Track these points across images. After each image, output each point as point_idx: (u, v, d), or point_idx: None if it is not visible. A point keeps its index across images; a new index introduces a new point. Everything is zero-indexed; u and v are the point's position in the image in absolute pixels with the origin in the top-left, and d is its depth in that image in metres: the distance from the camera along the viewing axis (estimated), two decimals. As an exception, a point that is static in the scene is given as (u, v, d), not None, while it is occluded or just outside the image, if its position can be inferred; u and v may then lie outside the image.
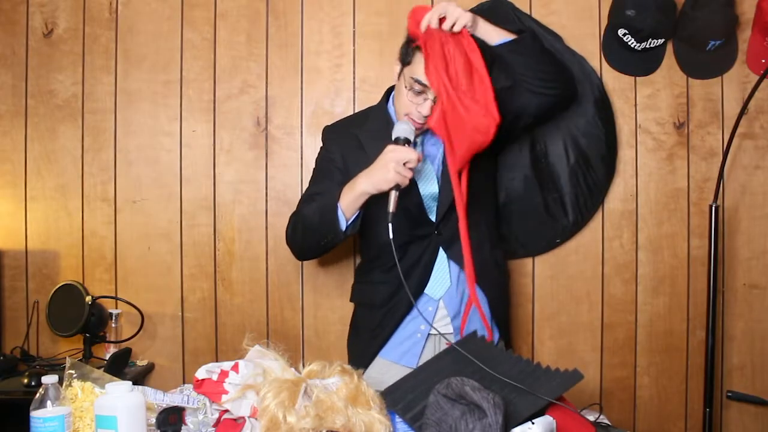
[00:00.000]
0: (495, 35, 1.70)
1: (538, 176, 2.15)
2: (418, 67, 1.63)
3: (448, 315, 1.76)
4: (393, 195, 1.55)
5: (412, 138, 1.59)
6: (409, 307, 1.74)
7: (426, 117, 1.64)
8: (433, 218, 1.75)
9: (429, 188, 1.75)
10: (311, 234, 1.72)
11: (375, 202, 1.62)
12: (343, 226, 1.64)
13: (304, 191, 1.86)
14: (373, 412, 1.18)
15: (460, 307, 1.76)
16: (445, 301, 1.76)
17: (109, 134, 2.27)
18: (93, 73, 2.27)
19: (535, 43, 1.73)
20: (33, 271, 2.27)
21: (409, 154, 1.54)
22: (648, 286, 2.22)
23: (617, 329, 2.23)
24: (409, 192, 1.65)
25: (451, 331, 1.76)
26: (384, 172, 1.54)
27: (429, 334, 1.76)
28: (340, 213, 1.62)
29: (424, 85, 1.61)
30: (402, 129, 1.59)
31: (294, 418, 1.13)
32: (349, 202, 1.61)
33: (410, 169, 1.55)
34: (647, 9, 2.04)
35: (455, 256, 1.74)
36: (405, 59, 1.67)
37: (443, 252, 1.76)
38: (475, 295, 1.70)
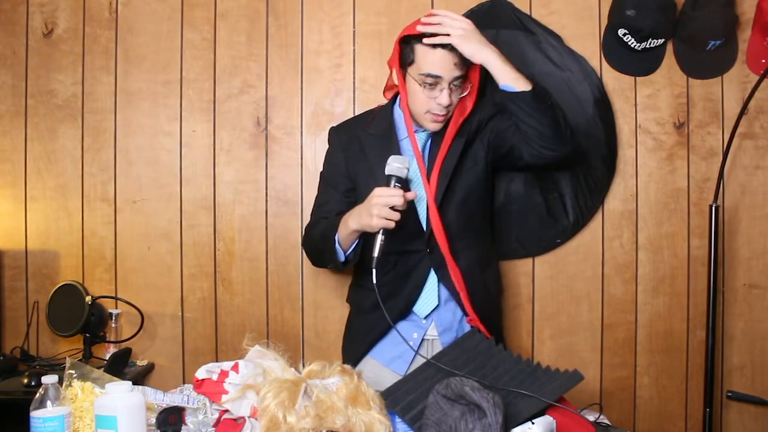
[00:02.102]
0: (502, 75, 1.62)
1: (538, 176, 2.15)
2: (423, 61, 1.61)
3: (436, 330, 1.76)
4: (378, 239, 1.52)
5: (404, 175, 1.54)
6: (399, 316, 1.74)
7: (448, 106, 1.64)
8: (424, 226, 1.73)
9: (425, 201, 1.72)
10: (319, 257, 1.80)
11: None
12: (342, 257, 1.67)
13: (315, 197, 1.88)
14: (373, 412, 1.18)
15: (452, 323, 1.76)
16: (434, 319, 1.76)
17: (109, 134, 2.27)
18: (93, 73, 2.27)
19: (538, 102, 1.61)
20: (33, 271, 2.27)
21: (395, 198, 1.50)
22: (648, 286, 2.22)
23: (617, 329, 2.23)
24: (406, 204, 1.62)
25: (440, 347, 1.75)
26: (368, 218, 1.52)
27: (422, 340, 1.76)
28: (337, 246, 1.65)
29: (437, 76, 1.60)
30: (394, 167, 1.53)
31: (294, 418, 1.13)
32: (345, 236, 1.63)
33: (399, 211, 1.51)
34: (647, 9, 2.04)
35: (445, 280, 1.72)
36: (406, 61, 1.65)
37: (434, 273, 1.74)
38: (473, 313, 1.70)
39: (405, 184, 1.56)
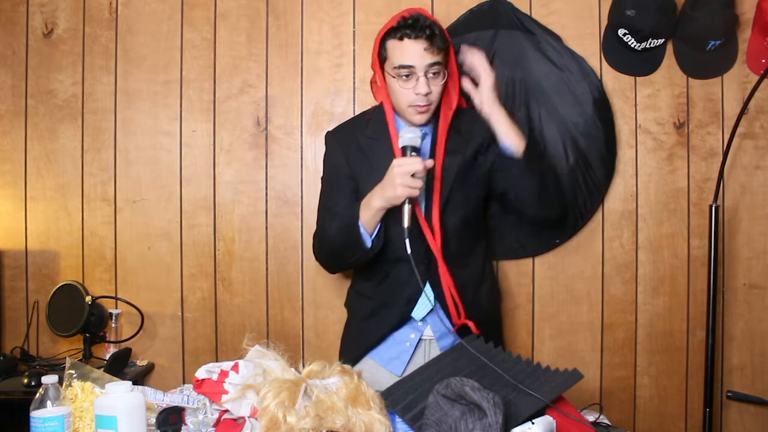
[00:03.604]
0: (505, 135, 1.71)
1: (538, 176, 2.15)
2: (394, 55, 1.64)
3: (433, 333, 1.76)
4: (406, 209, 1.55)
5: (419, 144, 1.58)
6: (393, 326, 1.75)
7: (427, 95, 1.64)
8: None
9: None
10: (339, 254, 1.73)
11: None
12: (368, 243, 1.65)
13: (318, 205, 1.85)
14: (373, 412, 1.18)
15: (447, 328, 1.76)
16: (429, 323, 1.75)
17: (109, 134, 2.27)
18: (93, 73, 2.27)
19: (528, 170, 1.70)
20: (33, 271, 2.28)
21: (415, 165, 1.53)
22: (648, 286, 2.22)
23: (617, 329, 2.23)
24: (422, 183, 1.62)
25: (437, 348, 1.75)
26: (392, 189, 1.54)
27: (419, 340, 1.76)
28: (362, 230, 1.63)
29: (409, 66, 1.62)
30: (407, 138, 1.57)
31: (294, 418, 1.13)
32: (368, 219, 1.62)
33: (420, 178, 1.54)
34: (647, 9, 2.04)
35: (438, 295, 1.72)
36: (382, 58, 1.68)
37: (429, 285, 1.73)
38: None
39: (420, 154, 1.59)
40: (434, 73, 1.65)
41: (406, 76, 1.64)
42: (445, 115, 1.73)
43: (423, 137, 1.70)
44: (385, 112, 1.73)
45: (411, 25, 1.61)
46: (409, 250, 1.53)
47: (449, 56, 1.72)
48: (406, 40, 1.62)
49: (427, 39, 1.61)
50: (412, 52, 1.62)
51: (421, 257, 1.70)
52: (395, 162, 1.55)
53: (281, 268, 2.25)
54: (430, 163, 1.58)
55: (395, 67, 1.64)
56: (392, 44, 1.64)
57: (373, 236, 1.65)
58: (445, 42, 1.66)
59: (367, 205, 1.61)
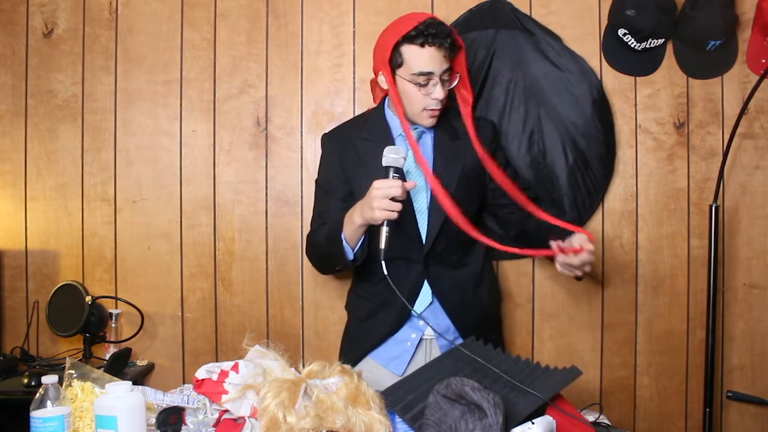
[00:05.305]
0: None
1: (536, 177, 2.15)
2: (414, 61, 1.63)
3: (433, 335, 1.75)
4: (383, 231, 1.52)
5: (401, 165, 1.54)
6: (393, 326, 1.75)
7: (442, 100, 1.66)
8: (423, 238, 1.72)
9: (418, 202, 1.73)
10: (325, 262, 1.77)
11: None
12: (350, 255, 1.66)
13: (313, 207, 1.86)
14: (373, 412, 1.18)
15: (448, 327, 1.75)
16: (429, 321, 1.75)
17: (109, 134, 2.27)
18: (93, 73, 2.27)
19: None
20: (33, 271, 2.27)
21: (394, 189, 1.50)
22: (648, 286, 2.22)
23: (617, 329, 2.23)
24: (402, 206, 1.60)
25: (437, 347, 1.76)
26: (370, 211, 1.52)
27: (420, 340, 1.76)
28: (345, 244, 1.64)
29: (429, 73, 1.62)
30: (391, 158, 1.53)
31: (294, 418, 1.13)
32: (351, 233, 1.62)
33: (399, 201, 1.51)
34: (647, 9, 2.04)
35: (441, 297, 1.73)
36: (396, 63, 1.66)
37: (428, 285, 1.73)
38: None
39: (403, 174, 1.56)
40: (445, 79, 1.67)
41: (423, 83, 1.64)
42: (466, 113, 1.74)
43: (419, 139, 1.70)
44: (396, 110, 1.73)
45: (433, 34, 1.60)
46: (385, 272, 1.51)
47: (457, 58, 1.72)
48: (427, 47, 1.61)
49: (448, 47, 1.62)
50: (433, 59, 1.62)
51: (420, 257, 1.72)
52: (375, 184, 1.52)
53: (281, 268, 2.25)
54: (410, 185, 1.54)
55: (414, 74, 1.63)
56: (411, 50, 1.63)
57: (356, 249, 1.65)
58: (459, 48, 1.68)
59: (350, 220, 1.61)
